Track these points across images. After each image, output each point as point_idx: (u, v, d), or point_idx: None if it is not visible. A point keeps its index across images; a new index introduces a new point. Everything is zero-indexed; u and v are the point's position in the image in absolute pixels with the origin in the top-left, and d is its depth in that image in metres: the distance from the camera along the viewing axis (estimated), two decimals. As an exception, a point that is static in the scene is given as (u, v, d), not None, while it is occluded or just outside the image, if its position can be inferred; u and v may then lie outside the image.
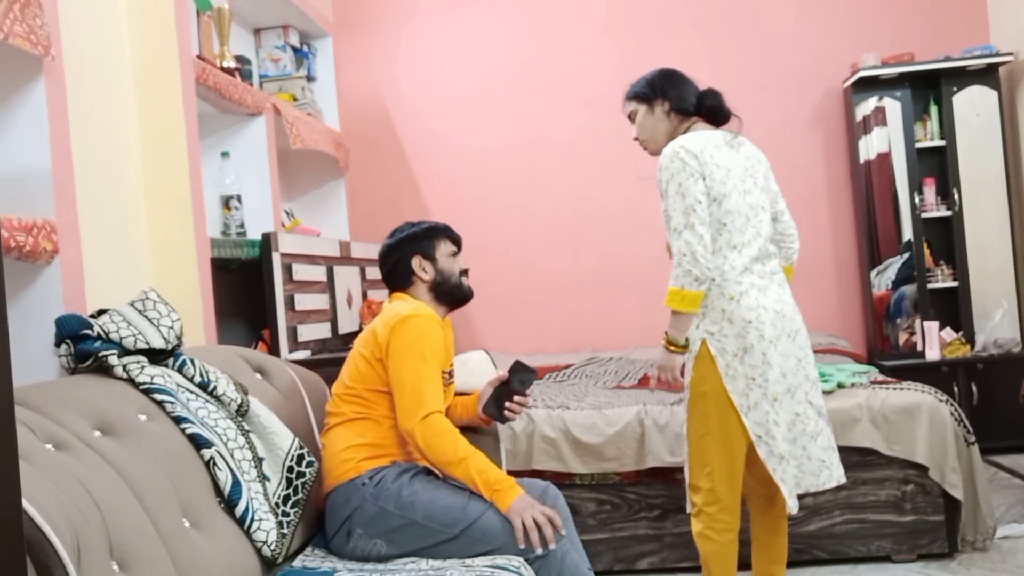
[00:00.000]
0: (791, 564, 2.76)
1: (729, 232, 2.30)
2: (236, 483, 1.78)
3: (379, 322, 2.15)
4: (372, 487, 2.00)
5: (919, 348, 4.25)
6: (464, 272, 2.30)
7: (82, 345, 1.77)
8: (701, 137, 2.33)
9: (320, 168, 4.06)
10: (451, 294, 2.27)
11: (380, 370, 2.11)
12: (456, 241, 2.32)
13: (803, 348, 2.34)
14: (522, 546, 1.89)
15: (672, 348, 2.32)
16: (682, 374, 2.36)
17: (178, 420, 1.76)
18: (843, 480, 2.37)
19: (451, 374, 2.30)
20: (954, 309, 4.33)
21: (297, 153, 3.56)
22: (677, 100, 2.42)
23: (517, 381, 2.26)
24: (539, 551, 1.89)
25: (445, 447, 1.98)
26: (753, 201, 2.35)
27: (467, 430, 2.37)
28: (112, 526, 1.38)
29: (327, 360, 2.93)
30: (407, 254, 2.25)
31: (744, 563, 2.69)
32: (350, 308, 3.61)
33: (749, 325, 2.24)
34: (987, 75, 4.28)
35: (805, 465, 2.31)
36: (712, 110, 2.40)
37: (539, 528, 1.90)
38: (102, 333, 1.79)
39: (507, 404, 2.25)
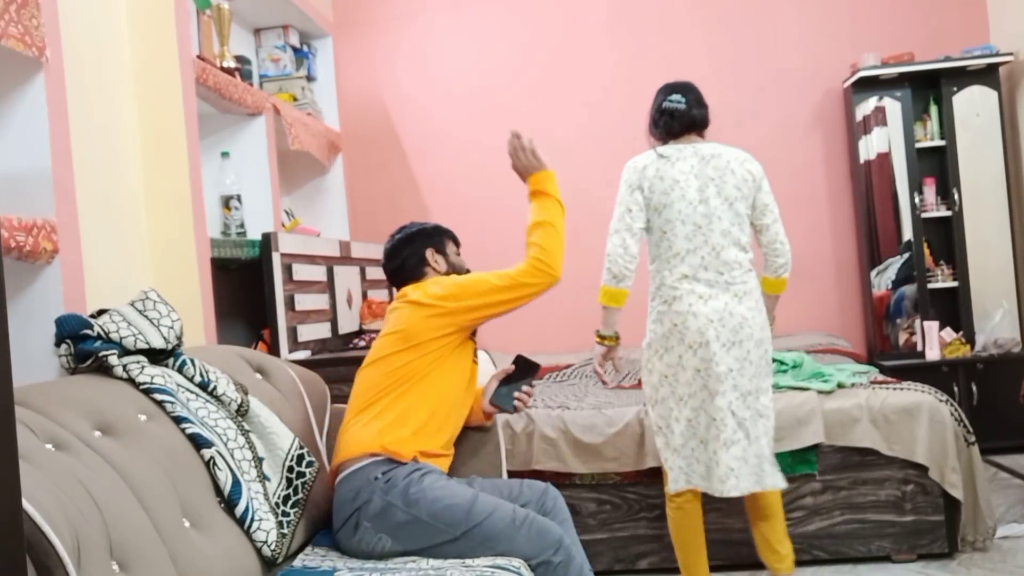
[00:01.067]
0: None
1: (670, 240, 2.48)
2: (236, 483, 1.78)
3: (405, 303, 2.18)
4: (383, 482, 2.00)
5: (919, 348, 4.25)
6: (467, 271, 2.38)
7: (82, 345, 1.77)
8: (654, 152, 2.53)
9: (320, 168, 4.06)
10: None
11: (415, 354, 2.13)
12: (458, 244, 2.43)
13: (740, 360, 2.41)
14: None
15: (599, 340, 2.64)
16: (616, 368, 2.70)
17: (178, 420, 1.76)
18: (753, 490, 2.45)
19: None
20: (954, 309, 4.33)
21: (297, 153, 3.56)
22: (653, 132, 2.61)
23: (522, 373, 2.30)
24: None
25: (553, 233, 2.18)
26: (708, 211, 2.45)
27: (467, 430, 2.37)
28: (112, 526, 1.38)
29: (327, 360, 2.93)
30: (420, 247, 2.32)
31: (750, 564, 2.70)
32: (350, 308, 3.61)
33: (674, 328, 2.45)
34: (987, 75, 4.28)
35: (714, 470, 2.42)
36: (666, 133, 2.55)
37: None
38: (102, 333, 1.79)
39: (516, 394, 2.27)
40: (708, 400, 2.42)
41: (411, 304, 2.16)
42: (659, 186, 2.47)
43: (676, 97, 2.53)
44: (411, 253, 2.32)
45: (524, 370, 2.30)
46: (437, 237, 2.36)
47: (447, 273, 2.32)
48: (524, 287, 2.14)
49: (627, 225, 2.48)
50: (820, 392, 2.94)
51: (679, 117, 2.52)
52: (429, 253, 2.32)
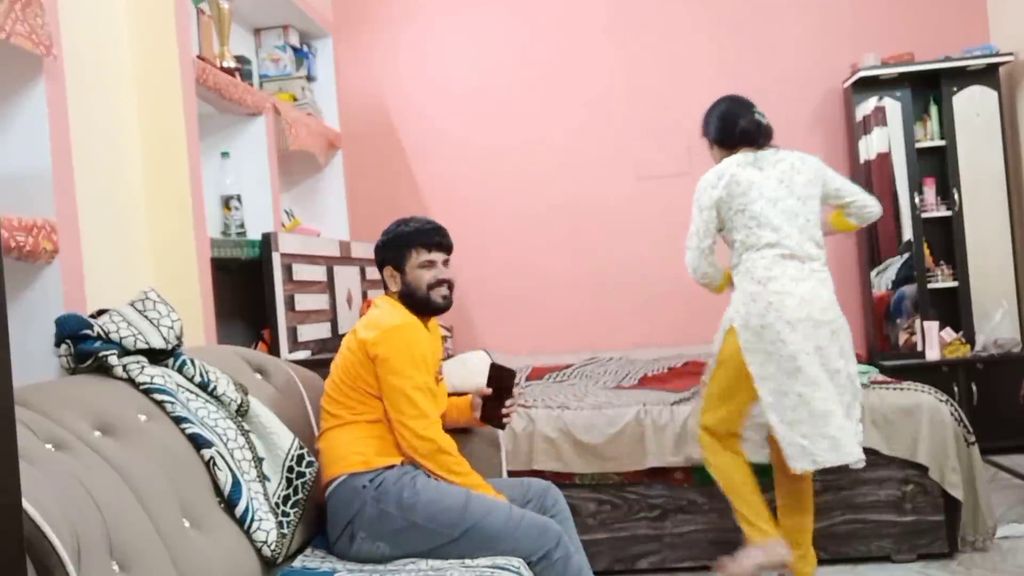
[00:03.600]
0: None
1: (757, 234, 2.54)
2: (236, 483, 1.78)
3: (364, 330, 2.14)
4: (373, 490, 2.00)
5: (919, 348, 4.25)
6: (443, 283, 2.21)
7: (82, 345, 1.77)
8: (731, 160, 2.59)
9: (321, 168, 4.06)
10: (418, 306, 2.20)
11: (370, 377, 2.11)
12: (433, 247, 2.21)
13: (826, 339, 2.53)
14: None
15: None
16: None
17: (178, 420, 1.76)
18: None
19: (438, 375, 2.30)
20: (954, 309, 4.33)
21: (297, 153, 3.56)
22: (715, 135, 2.69)
23: (499, 383, 2.28)
24: None
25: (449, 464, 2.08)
26: (786, 208, 2.54)
27: (463, 431, 2.38)
28: (112, 526, 1.38)
29: (327, 360, 2.92)
30: (381, 262, 2.26)
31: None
32: (350, 308, 3.61)
33: (770, 307, 2.50)
34: (987, 75, 4.28)
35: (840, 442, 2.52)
36: (743, 135, 2.62)
37: None
38: (102, 333, 1.79)
39: (501, 411, 2.28)
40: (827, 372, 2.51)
41: (367, 358, 2.10)
42: (736, 189, 2.54)
43: (759, 113, 2.65)
44: (378, 265, 2.27)
45: (500, 380, 2.27)
46: (396, 251, 2.20)
47: (401, 291, 2.20)
48: (406, 429, 2.05)
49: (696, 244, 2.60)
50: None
51: (749, 136, 2.62)
52: (387, 271, 2.23)
